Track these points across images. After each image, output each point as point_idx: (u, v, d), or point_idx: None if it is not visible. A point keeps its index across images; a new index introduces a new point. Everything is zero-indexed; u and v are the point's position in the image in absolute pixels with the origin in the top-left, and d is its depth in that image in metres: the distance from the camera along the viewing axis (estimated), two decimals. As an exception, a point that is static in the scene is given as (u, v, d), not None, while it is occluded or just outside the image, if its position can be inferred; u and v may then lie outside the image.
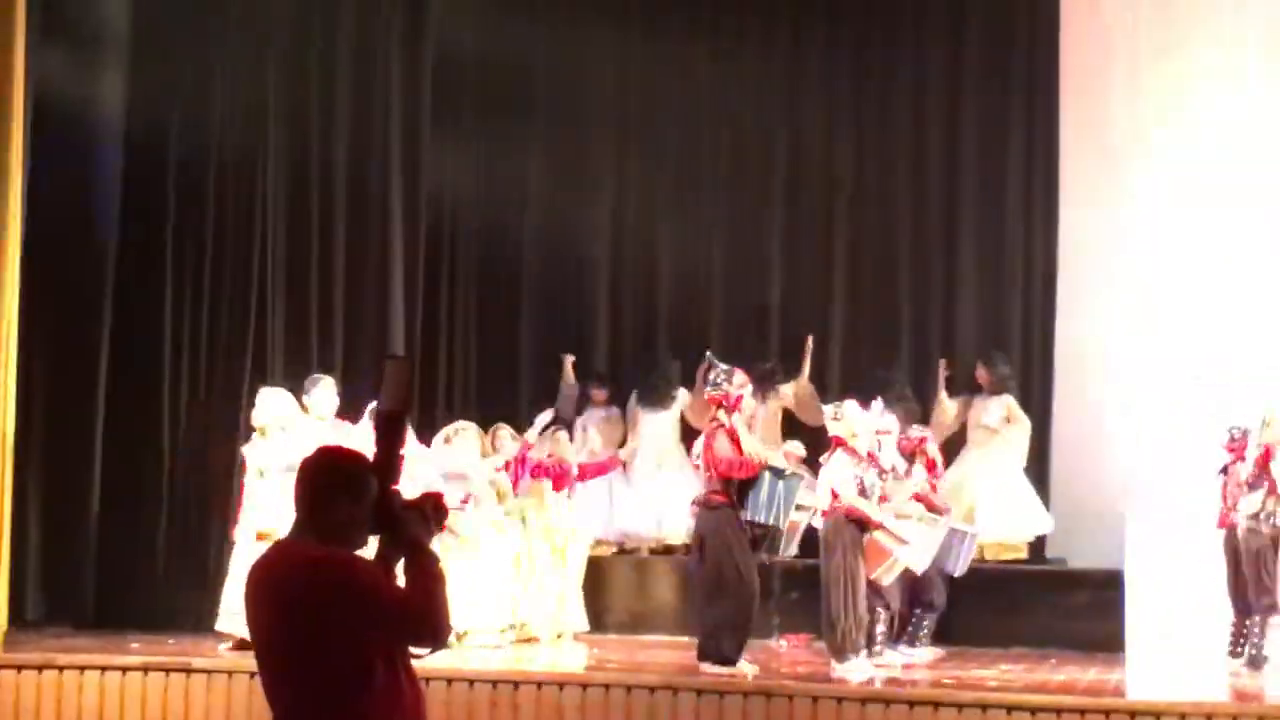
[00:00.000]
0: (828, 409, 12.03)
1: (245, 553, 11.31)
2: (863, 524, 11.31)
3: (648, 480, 15.35)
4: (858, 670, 11.02)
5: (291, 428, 11.60)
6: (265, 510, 11.19)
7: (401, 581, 4.83)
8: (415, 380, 5.11)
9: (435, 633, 4.80)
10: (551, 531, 13.30)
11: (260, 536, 10.92)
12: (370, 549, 4.88)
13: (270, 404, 11.78)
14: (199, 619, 12.22)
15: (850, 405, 11.86)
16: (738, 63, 16.57)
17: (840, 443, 11.53)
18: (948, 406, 15.29)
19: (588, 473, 14.23)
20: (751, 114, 16.70)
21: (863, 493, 11.36)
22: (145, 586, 13.43)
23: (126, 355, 13.78)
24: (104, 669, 10.56)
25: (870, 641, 11.87)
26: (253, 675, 10.13)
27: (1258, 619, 11.78)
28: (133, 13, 13.98)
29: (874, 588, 11.90)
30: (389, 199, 14.68)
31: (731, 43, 16.66)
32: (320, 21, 14.50)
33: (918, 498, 12.25)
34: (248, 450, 11.81)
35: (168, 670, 10.52)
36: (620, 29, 16.41)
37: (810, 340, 15.75)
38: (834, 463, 11.43)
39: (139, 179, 14.00)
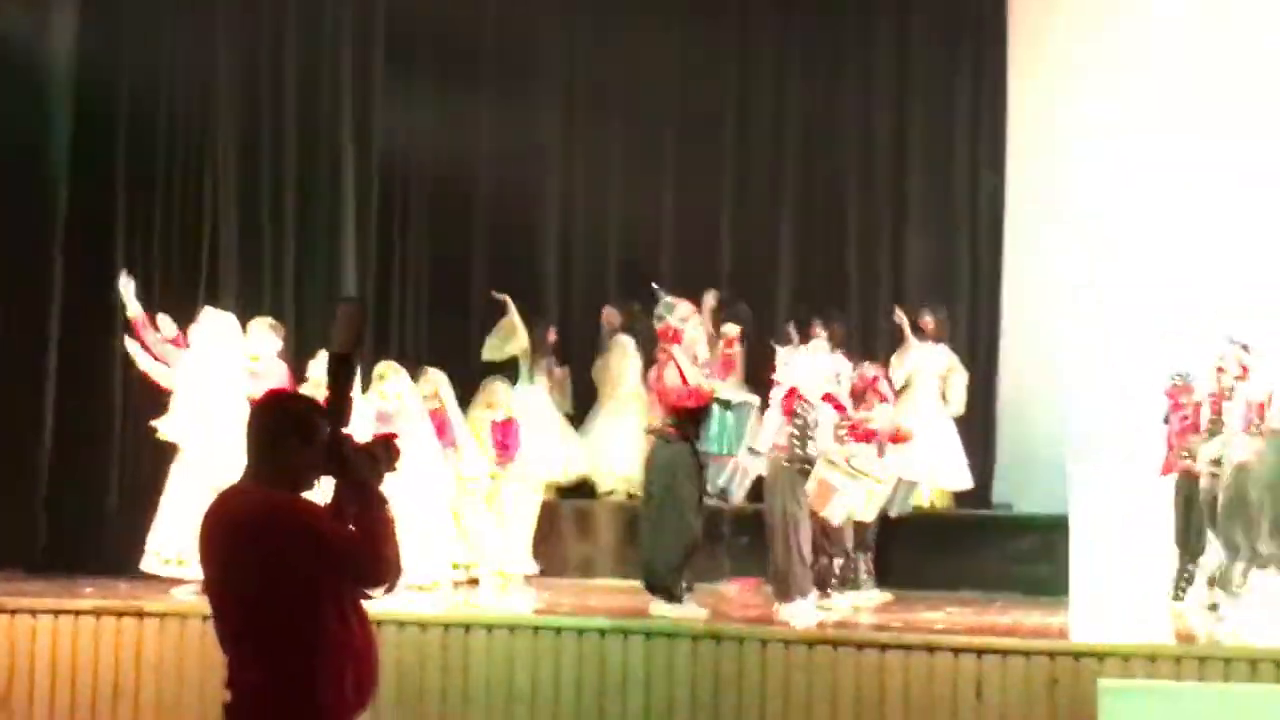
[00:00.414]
0: (780, 353, 12.12)
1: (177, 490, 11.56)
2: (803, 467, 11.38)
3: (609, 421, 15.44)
4: (802, 613, 11.10)
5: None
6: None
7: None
8: (367, 324, 5.15)
9: (382, 574, 4.85)
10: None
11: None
12: (321, 492, 4.94)
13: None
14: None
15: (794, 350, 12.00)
16: (688, 20, 16.59)
17: (794, 392, 11.59)
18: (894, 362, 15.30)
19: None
20: (701, 69, 16.70)
21: (806, 434, 11.40)
22: (97, 530, 13.41)
23: (77, 301, 13.73)
24: (56, 613, 10.58)
25: (823, 586, 11.98)
26: (205, 619, 10.20)
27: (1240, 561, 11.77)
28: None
29: (826, 532, 11.99)
30: (341, 148, 14.64)
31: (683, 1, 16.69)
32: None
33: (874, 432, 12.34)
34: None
35: (120, 614, 10.55)
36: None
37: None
38: (775, 406, 11.49)
39: (89, 124, 13.95)
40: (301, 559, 4.76)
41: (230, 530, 4.87)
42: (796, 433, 11.35)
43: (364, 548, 4.82)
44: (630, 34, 16.39)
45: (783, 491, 11.28)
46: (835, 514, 11.61)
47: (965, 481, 15.20)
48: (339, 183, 14.62)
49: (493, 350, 15.30)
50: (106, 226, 13.82)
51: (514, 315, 15.29)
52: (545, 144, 16.60)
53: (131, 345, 12.10)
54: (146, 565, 11.70)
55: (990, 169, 16.21)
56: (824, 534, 12.00)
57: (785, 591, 11.28)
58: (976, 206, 16.29)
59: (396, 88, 15.40)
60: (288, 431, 4.91)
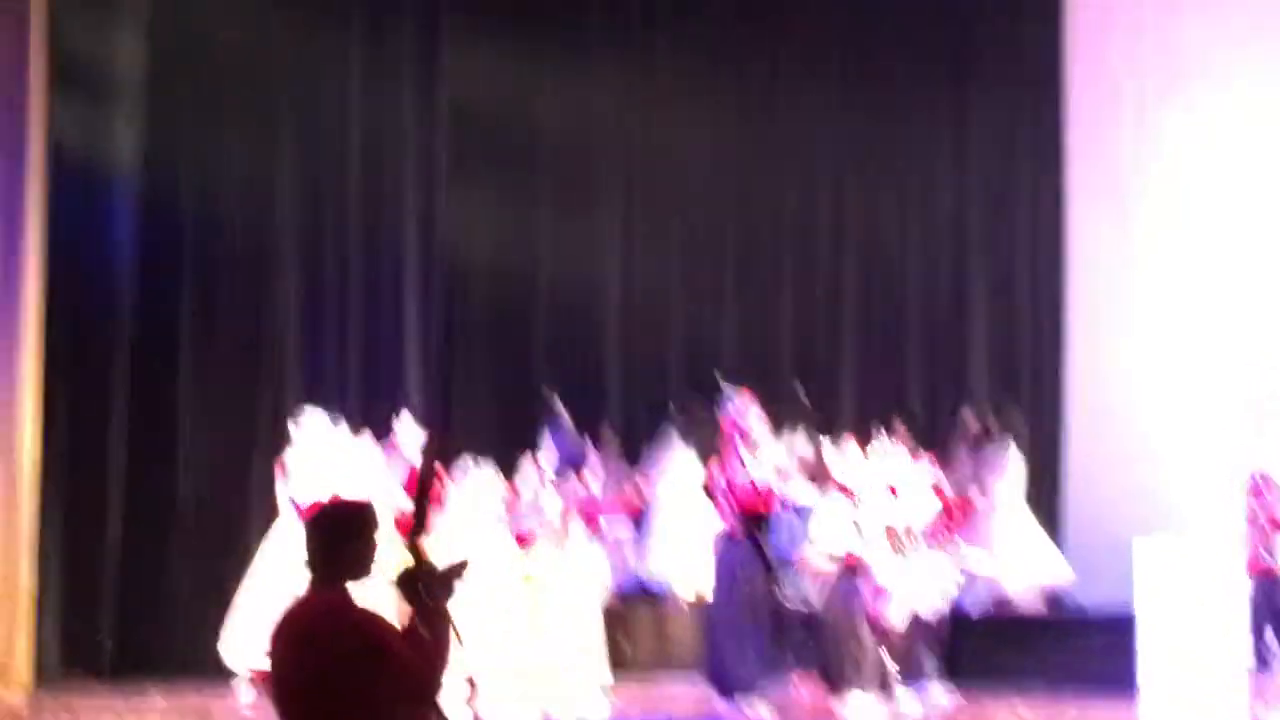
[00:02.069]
0: (828, 448, 12.15)
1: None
2: (858, 565, 11.39)
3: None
4: (863, 709, 11.07)
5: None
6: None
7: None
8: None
9: (424, 695, 4.93)
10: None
11: None
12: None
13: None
14: (220, 666, 12.25)
15: (848, 446, 12.00)
16: (747, 117, 16.69)
17: (839, 484, 11.63)
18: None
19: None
20: (761, 164, 16.77)
21: (858, 534, 11.43)
22: (165, 635, 13.46)
23: (144, 406, 13.81)
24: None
25: (886, 685, 11.95)
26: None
27: None
28: (147, 64, 14.05)
29: (882, 629, 11.98)
30: (403, 246, 14.79)
31: (739, 97, 16.77)
32: (334, 72, 14.60)
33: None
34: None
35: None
36: (627, 80, 16.54)
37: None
38: (828, 508, 11.48)
39: (154, 228, 14.06)
40: (361, 671, 4.83)
41: (305, 637, 4.95)
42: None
43: (422, 668, 4.90)
44: (688, 129, 16.49)
45: (839, 587, 11.30)
46: (894, 614, 11.60)
47: (1065, 572, 15.05)
48: (400, 283, 14.75)
49: None
50: (172, 329, 13.92)
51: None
52: (604, 242, 16.66)
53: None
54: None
55: (1048, 255, 16.21)
56: (883, 631, 12.00)
57: (840, 689, 11.30)
58: (1037, 296, 16.27)
59: (458, 186, 15.53)
60: (353, 533, 5.05)
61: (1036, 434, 15.74)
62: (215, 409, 13.98)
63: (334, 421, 12.51)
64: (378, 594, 5.14)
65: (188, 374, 13.96)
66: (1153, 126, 16.07)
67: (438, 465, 5.20)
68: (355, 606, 4.95)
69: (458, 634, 5.02)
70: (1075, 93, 16.36)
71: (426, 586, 4.98)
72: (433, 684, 4.92)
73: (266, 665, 10.87)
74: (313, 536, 5.09)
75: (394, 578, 5.02)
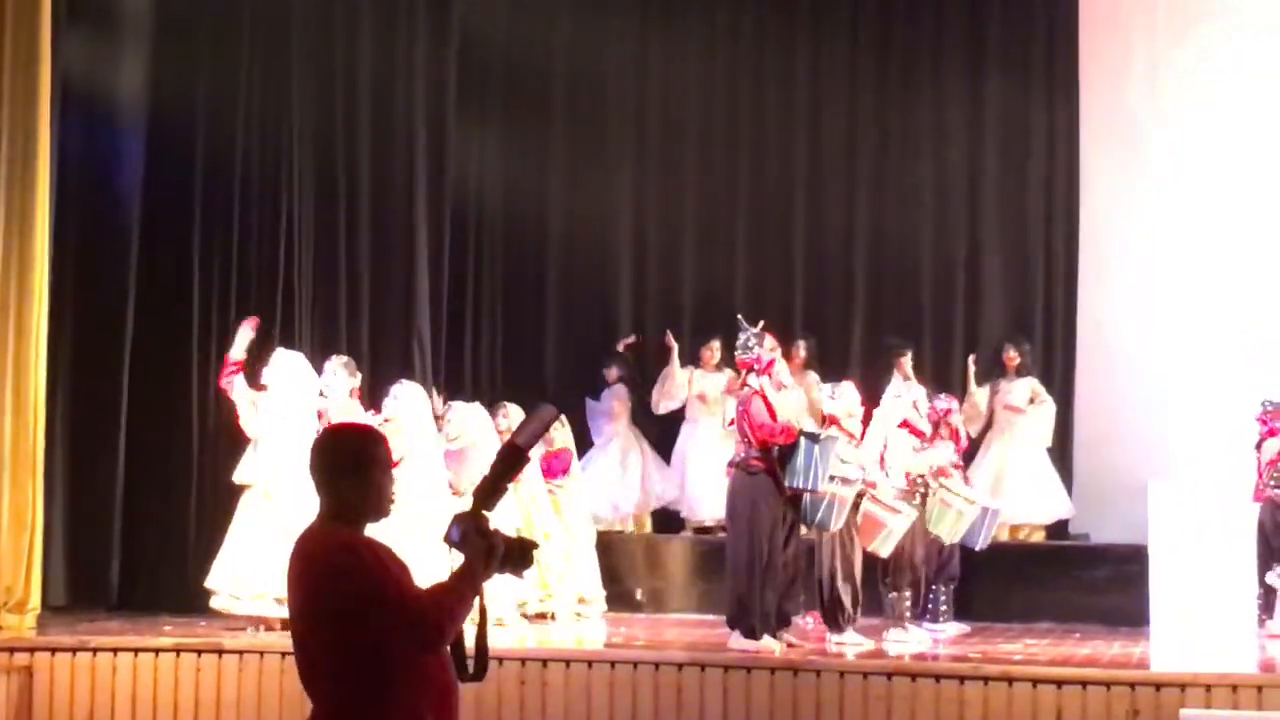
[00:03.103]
0: (825, 388, 12.18)
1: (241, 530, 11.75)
2: (856, 499, 11.42)
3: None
4: (852, 642, 11.13)
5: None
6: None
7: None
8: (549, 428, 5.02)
9: (428, 646, 4.80)
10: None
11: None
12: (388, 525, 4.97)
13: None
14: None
15: (845, 386, 12.02)
16: (759, 51, 16.66)
17: (834, 421, 11.65)
18: (978, 396, 15.39)
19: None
20: (773, 102, 16.76)
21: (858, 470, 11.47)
22: (173, 571, 13.44)
23: (152, 338, 13.78)
24: (137, 650, 10.62)
25: (900, 617, 12.04)
26: (284, 655, 10.26)
27: None
28: (155, -2, 14.03)
29: (901, 564, 12.06)
30: (414, 183, 14.73)
31: (753, 29, 16.74)
32: (345, 6, 14.52)
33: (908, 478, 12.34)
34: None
35: (199, 651, 10.59)
36: (640, 14, 16.50)
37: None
38: (843, 443, 11.49)
39: (163, 163, 13.97)
40: (364, 604, 4.75)
41: (303, 569, 4.88)
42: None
43: (426, 617, 4.78)
44: (701, 69, 16.49)
45: (843, 528, 11.35)
46: (883, 548, 11.64)
47: (1064, 510, 15.22)
48: (412, 221, 14.69)
49: (667, 400, 15.58)
50: (181, 266, 13.86)
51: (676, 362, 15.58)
52: (616, 178, 16.65)
53: (233, 383, 12.10)
54: (216, 603, 11.76)
55: (1063, 197, 16.21)
56: (900, 566, 12.09)
57: (835, 623, 11.35)
58: (1050, 234, 16.26)
59: (469, 125, 15.54)
60: (349, 464, 4.92)
61: (1048, 376, 15.77)
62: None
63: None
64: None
65: (198, 311, 13.89)
66: (1164, 68, 16.05)
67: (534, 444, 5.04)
68: (353, 541, 4.85)
69: (483, 606, 4.89)
70: (1088, 36, 16.32)
71: (470, 544, 4.83)
72: (434, 631, 4.78)
73: (259, 609, 11.04)
74: (311, 467, 5.00)
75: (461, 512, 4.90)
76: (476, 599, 4.85)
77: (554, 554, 13.00)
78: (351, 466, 4.90)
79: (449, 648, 4.90)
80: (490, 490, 4.90)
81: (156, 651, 10.61)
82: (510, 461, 4.95)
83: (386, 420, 11.91)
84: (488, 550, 4.81)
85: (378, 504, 4.93)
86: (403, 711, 4.79)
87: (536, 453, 13.11)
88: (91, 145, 13.70)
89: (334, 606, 4.76)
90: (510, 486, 5.07)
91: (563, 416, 13.86)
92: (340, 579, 4.77)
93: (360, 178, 14.48)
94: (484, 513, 4.86)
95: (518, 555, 4.89)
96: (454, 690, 4.95)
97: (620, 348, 16.06)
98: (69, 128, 13.19)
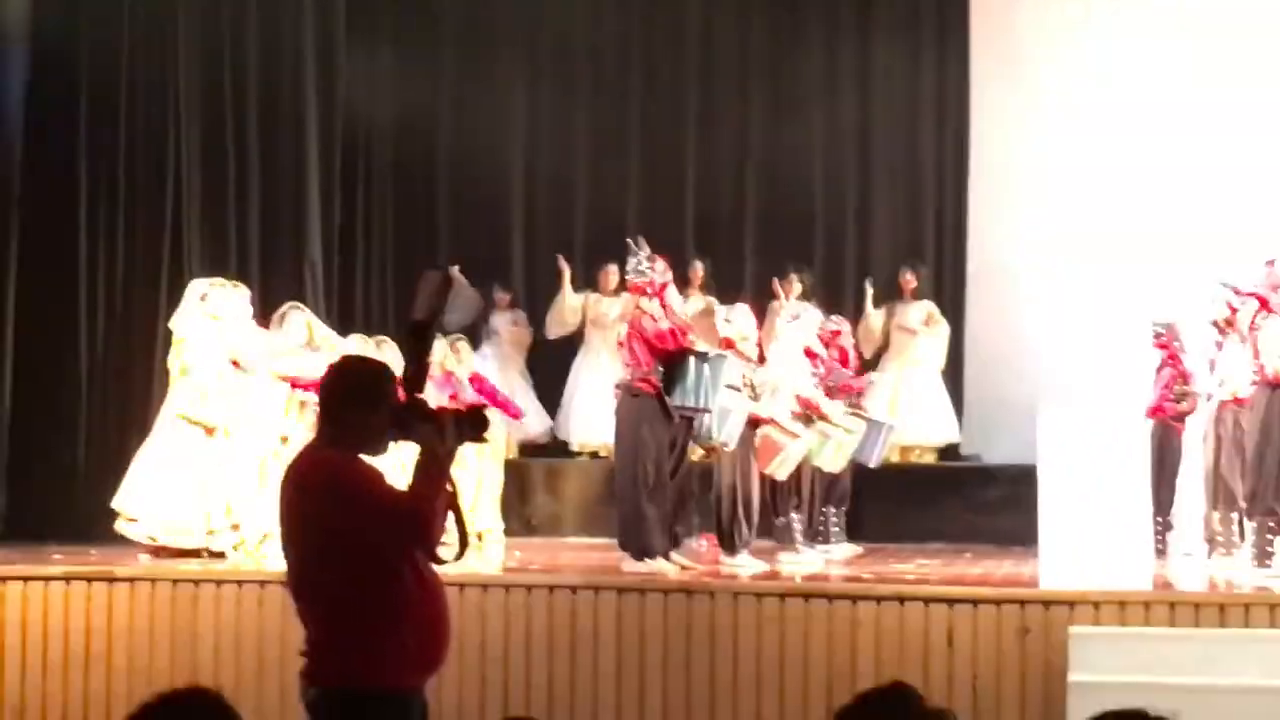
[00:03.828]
0: (720, 310, 12.19)
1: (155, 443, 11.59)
2: (753, 422, 11.46)
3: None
4: (745, 565, 11.19)
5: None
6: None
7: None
8: (448, 292, 5.02)
9: (416, 535, 4.87)
10: None
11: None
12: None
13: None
14: (116, 535, 12.05)
15: (741, 309, 12.04)
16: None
17: (730, 344, 11.66)
18: (874, 318, 15.49)
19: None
20: (665, 24, 16.72)
21: (752, 393, 11.50)
22: (63, 501, 13.33)
23: (37, 266, 13.60)
24: (25, 579, 10.51)
25: (790, 540, 12.12)
26: (175, 583, 10.21)
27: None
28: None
29: (787, 486, 12.12)
30: (303, 106, 14.59)
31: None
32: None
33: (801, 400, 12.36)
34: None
35: (90, 579, 10.47)
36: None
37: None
38: (733, 362, 11.51)
39: (46, 86, 13.77)
40: (345, 516, 4.85)
41: (289, 488, 4.99)
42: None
43: (401, 506, 4.87)
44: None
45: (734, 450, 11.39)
46: (780, 471, 11.70)
47: (953, 435, 15.38)
48: (303, 145, 14.56)
49: (559, 326, 15.48)
50: (67, 191, 13.68)
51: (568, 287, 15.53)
52: (508, 101, 16.56)
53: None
54: (121, 528, 11.67)
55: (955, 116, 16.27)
56: (787, 489, 12.16)
57: (730, 545, 11.40)
58: (941, 161, 16.35)
59: (359, 47, 15.37)
60: (353, 396, 5.00)
61: (939, 299, 15.87)
62: (114, 275, 13.79)
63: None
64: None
65: (85, 240, 13.72)
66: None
67: (436, 312, 5.08)
68: (339, 458, 4.93)
69: (453, 483, 4.96)
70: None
71: (419, 430, 4.90)
72: (414, 519, 4.86)
73: (163, 536, 10.98)
74: (321, 392, 5.16)
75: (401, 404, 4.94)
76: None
77: (467, 481, 12.97)
78: (364, 399, 4.97)
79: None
80: (414, 375, 4.95)
81: (46, 580, 10.49)
82: (419, 338, 5.02)
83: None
84: (437, 430, 4.84)
85: (379, 439, 5.00)
86: (385, 634, 4.91)
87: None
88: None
89: (320, 521, 4.87)
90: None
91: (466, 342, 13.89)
92: (326, 492, 4.88)
93: (248, 102, 14.32)
94: (418, 396, 4.88)
95: (470, 424, 4.94)
96: (443, 616, 5.13)
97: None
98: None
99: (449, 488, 4.92)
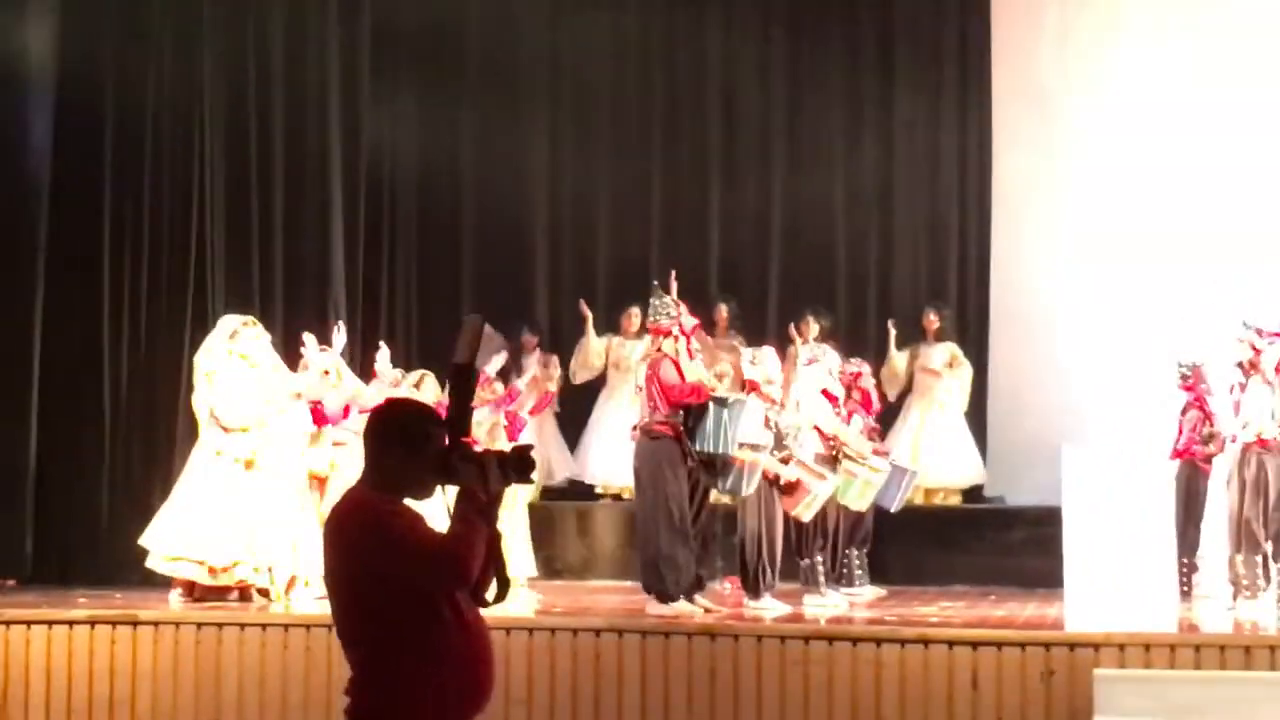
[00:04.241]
0: (746, 353, 12.18)
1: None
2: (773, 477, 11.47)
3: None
4: (770, 607, 11.18)
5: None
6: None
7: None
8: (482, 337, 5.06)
9: (455, 578, 4.89)
10: None
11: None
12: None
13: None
14: (145, 573, 12.11)
15: (766, 351, 12.03)
16: (671, 20, 16.64)
17: (754, 387, 11.65)
18: (897, 360, 15.49)
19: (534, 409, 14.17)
20: (685, 68, 16.78)
21: (777, 436, 11.48)
22: (87, 544, 13.36)
23: (63, 311, 13.65)
24: (50, 623, 10.53)
25: (814, 582, 12.10)
26: (199, 627, 10.22)
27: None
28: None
29: (811, 528, 12.10)
30: (328, 151, 14.59)
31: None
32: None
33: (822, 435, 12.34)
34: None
35: (114, 623, 10.49)
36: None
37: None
38: (755, 406, 11.51)
39: (72, 133, 13.83)
40: (385, 559, 4.86)
41: (331, 531, 5.01)
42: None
43: (447, 551, 4.87)
44: (615, 33, 16.44)
45: (755, 490, 11.36)
46: (805, 513, 11.69)
47: (977, 476, 15.35)
48: (327, 189, 14.56)
49: (585, 370, 15.47)
50: (91, 231, 13.74)
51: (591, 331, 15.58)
52: (531, 147, 16.61)
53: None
54: (156, 565, 11.69)
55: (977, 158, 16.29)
56: (811, 531, 12.13)
57: (755, 588, 11.41)
58: (964, 199, 16.35)
59: (382, 90, 15.43)
60: (396, 439, 5.01)
61: (962, 341, 15.86)
62: (138, 320, 13.84)
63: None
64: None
65: (109, 281, 13.78)
66: (1074, 33, 16.21)
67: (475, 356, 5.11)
68: (380, 501, 4.95)
69: (496, 530, 4.98)
70: (999, 2, 16.42)
71: (460, 472, 4.91)
72: (453, 561, 4.85)
73: (191, 573, 11.00)
74: (365, 435, 5.12)
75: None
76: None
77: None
78: (407, 442, 4.99)
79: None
80: (457, 416, 4.95)
81: (70, 624, 10.52)
82: (461, 381, 5.03)
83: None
84: (478, 471, 4.87)
85: (423, 482, 5.00)
86: (425, 678, 4.89)
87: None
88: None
89: (357, 563, 4.89)
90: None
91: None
92: (362, 534, 4.88)
93: (274, 145, 14.34)
94: (461, 440, 4.91)
95: (515, 464, 4.95)
96: (486, 658, 5.03)
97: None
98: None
99: (491, 529, 4.94)
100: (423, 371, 13.17)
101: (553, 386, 15.07)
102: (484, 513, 4.91)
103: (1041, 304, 15.79)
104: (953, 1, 16.51)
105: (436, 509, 5.00)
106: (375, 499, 4.95)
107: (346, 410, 12.09)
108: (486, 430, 12.81)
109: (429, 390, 12.66)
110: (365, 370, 12.96)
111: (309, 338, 12.25)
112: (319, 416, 12.08)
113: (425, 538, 4.88)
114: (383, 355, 12.56)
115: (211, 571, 11.44)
